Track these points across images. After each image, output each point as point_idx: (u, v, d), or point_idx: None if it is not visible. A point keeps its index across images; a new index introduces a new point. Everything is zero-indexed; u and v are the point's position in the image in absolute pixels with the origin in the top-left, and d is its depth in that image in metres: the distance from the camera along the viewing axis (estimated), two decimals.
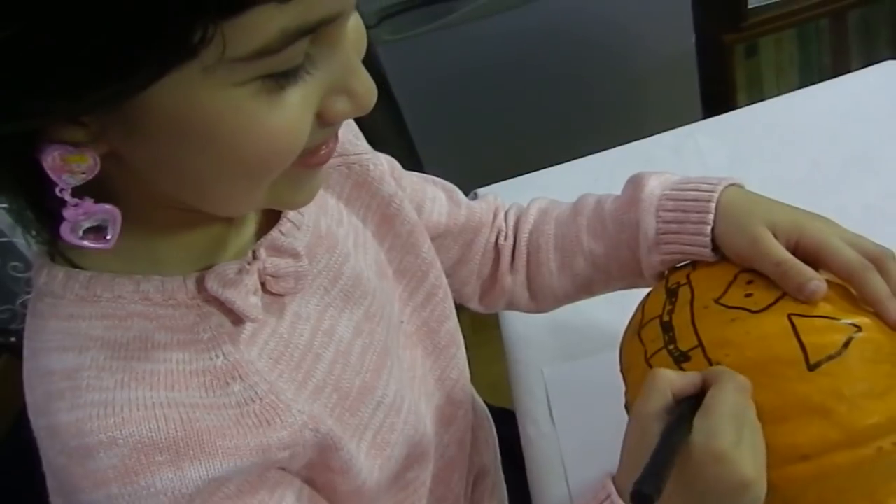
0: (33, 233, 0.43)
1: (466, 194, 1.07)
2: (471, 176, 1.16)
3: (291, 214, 0.52)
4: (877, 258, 0.52)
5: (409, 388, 0.61)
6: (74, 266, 0.45)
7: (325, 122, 0.41)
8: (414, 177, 0.70)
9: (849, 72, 1.09)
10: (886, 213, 0.86)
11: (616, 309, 0.68)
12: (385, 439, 0.56)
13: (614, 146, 1.08)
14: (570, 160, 1.08)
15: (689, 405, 0.46)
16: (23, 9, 0.30)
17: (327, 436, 0.50)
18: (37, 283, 0.45)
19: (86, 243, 0.39)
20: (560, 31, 1.50)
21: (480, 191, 1.07)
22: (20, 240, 1.07)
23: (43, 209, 0.41)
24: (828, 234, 0.53)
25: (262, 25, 0.33)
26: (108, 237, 0.40)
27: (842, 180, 0.92)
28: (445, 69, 1.51)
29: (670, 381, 0.48)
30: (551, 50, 1.52)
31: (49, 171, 0.37)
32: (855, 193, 0.89)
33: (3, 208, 0.43)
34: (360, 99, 0.41)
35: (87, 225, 0.39)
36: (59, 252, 0.45)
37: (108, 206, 0.39)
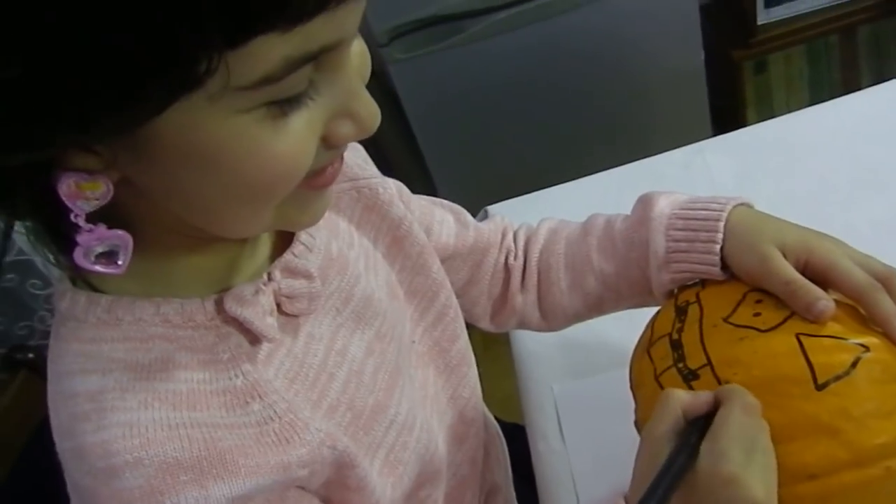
0: (51, 257, 0.44)
1: (477, 211, 1.08)
2: (481, 192, 1.17)
3: (303, 237, 0.53)
4: (885, 278, 0.52)
5: (421, 406, 0.62)
6: (95, 289, 0.46)
7: (329, 145, 0.42)
8: (422, 200, 0.71)
9: (859, 87, 1.10)
10: (894, 229, 0.86)
11: (625, 326, 0.68)
12: (398, 457, 0.57)
13: (626, 162, 1.09)
14: (580, 177, 1.09)
15: (698, 427, 0.47)
16: (33, 44, 0.31)
17: (344, 453, 0.51)
18: (59, 308, 0.46)
19: (97, 268, 0.40)
20: (570, 49, 1.51)
21: (491, 208, 1.08)
22: (39, 258, 1.09)
23: (59, 234, 0.42)
24: (837, 254, 0.54)
25: (265, 54, 0.34)
26: (120, 262, 0.41)
27: (850, 197, 0.93)
28: (456, 87, 1.52)
29: (681, 400, 0.48)
30: (562, 67, 1.53)
31: (64, 198, 0.38)
32: (863, 210, 0.90)
33: (22, 232, 0.44)
34: (363, 122, 0.41)
35: (99, 250, 0.40)
36: (80, 276, 0.46)
37: (120, 232, 0.40)
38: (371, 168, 0.64)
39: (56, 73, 0.32)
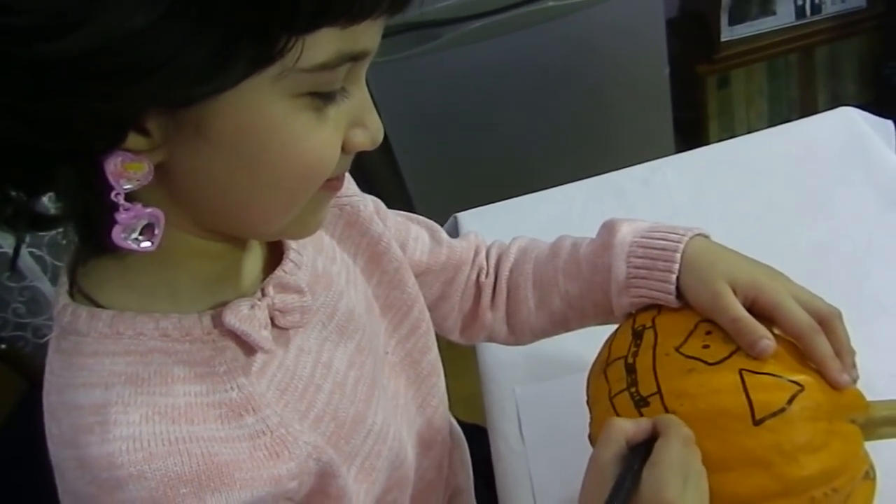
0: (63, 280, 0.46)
1: (447, 216, 1.11)
2: (452, 198, 1.20)
3: (292, 255, 0.56)
4: (824, 319, 0.56)
5: (394, 415, 0.65)
6: (94, 303, 0.47)
7: (345, 151, 0.46)
8: (399, 216, 0.73)
9: (815, 104, 1.13)
10: (834, 251, 0.91)
11: (585, 333, 0.73)
12: (372, 465, 0.60)
13: (594, 169, 1.12)
14: (551, 184, 1.13)
15: (639, 453, 0.51)
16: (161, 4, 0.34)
17: (328, 464, 0.53)
18: (60, 322, 0.47)
19: (132, 246, 0.42)
20: (541, 60, 1.54)
21: (460, 215, 1.11)
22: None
23: (89, 218, 0.44)
24: (783, 294, 0.57)
25: (325, 45, 0.40)
26: (155, 234, 0.43)
27: (794, 220, 0.97)
28: (429, 92, 1.54)
29: (623, 430, 0.53)
30: (532, 78, 1.56)
31: (109, 176, 0.40)
32: (805, 232, 0.94)
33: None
34: (373, 134, 0.47)
35: (138, 227, 0.42)
36: (78, 290, 0.48)
37: (153, 209, 0.43)
38: (352, 186, 0.67)
39: (175, 29, 0.35)
